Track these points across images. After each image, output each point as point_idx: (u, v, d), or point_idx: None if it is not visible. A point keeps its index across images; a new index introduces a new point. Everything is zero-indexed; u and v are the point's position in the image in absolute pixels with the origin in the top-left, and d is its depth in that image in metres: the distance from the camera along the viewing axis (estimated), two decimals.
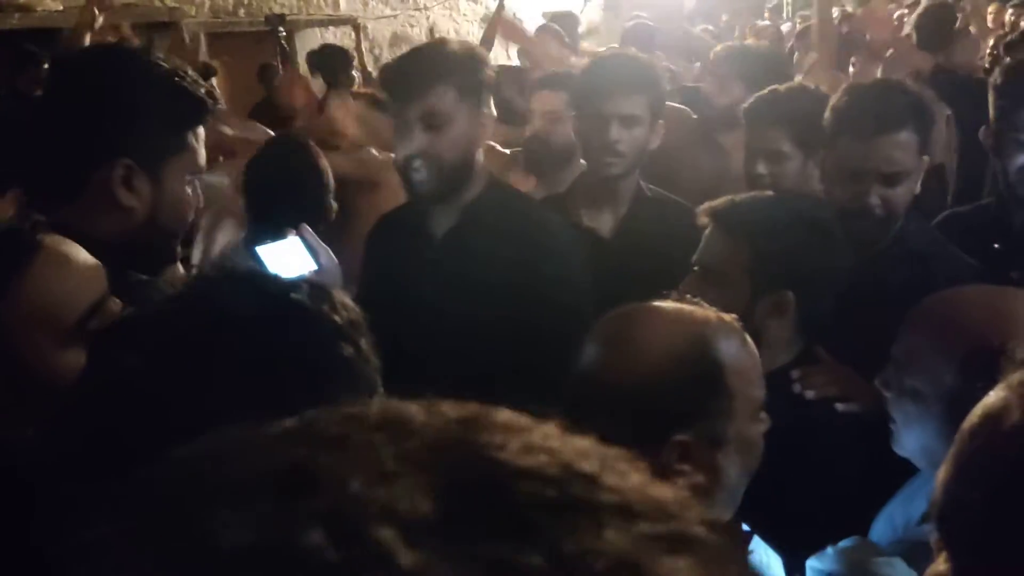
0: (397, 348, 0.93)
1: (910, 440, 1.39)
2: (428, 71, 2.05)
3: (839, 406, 1.71)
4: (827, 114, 2.02)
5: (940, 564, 0.69)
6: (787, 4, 11.34)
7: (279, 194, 2.55)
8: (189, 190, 1.55)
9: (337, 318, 0.86)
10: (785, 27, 8.25)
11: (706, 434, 1.15)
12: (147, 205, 1.49)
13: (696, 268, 1.76)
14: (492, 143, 3.26)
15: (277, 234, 2.08)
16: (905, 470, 1.48)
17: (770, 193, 2.13)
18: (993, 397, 0.70)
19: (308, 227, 2.07)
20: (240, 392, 0.75)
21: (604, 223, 2.42)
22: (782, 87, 2.50)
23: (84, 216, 1.44)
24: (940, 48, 4.36)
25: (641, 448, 0.38)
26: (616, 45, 5.10)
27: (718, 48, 3.80)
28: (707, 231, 1.77)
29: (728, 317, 1.23)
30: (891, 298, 1.83)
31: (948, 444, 0.97)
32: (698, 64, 6.20)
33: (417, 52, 2.18)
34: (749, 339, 1.24)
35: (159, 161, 1.49)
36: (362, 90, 4.77)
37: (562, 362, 1.28)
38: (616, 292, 1.67)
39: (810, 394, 1.70)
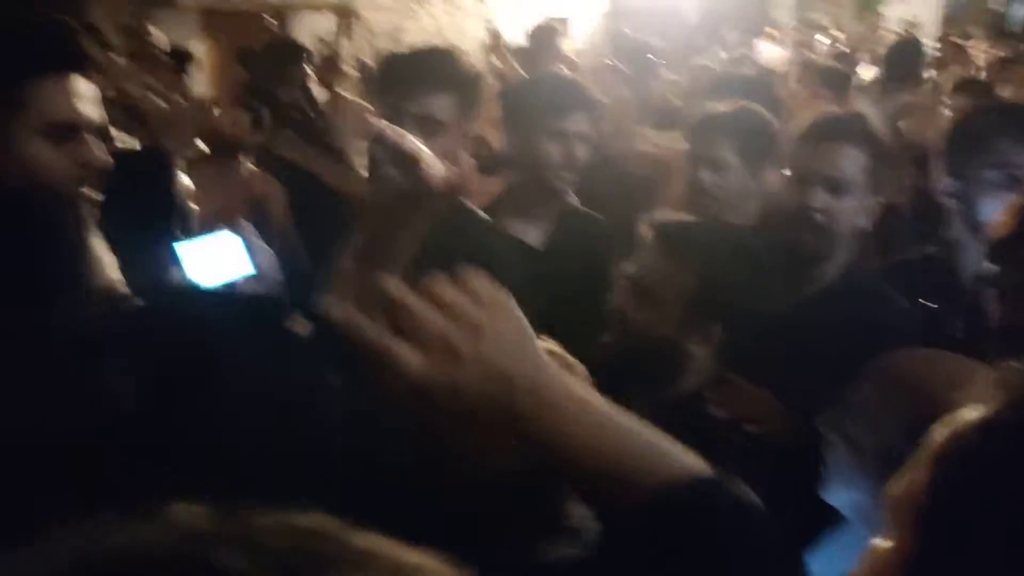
0: None
1: (840, 490, 1.36)
2: (430, 74, 2.01)
3: (748, 427, 1.70)
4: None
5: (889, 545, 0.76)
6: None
7: None
8: (47, 148, 1.47)
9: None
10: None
11: None
12: None
13: (630, 281, 1.73)
14: None
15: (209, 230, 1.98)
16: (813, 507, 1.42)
17: (716, 220, 2.12)
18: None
19: (248, 223, 2.00)
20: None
21: (533, 235, 2.38)
22: (731, 104, 2.51)
23: None
24: None
25: None
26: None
27: None
28: (649, 246, 1.73)
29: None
30: (830, 336, 1.83)
31: (878, 503, 0.96)
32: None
33: (423, 53, 2.13)
34: None
35: None
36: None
37: None
38: (544, 303, 1.64)
39: (720, 413, 1.69)
